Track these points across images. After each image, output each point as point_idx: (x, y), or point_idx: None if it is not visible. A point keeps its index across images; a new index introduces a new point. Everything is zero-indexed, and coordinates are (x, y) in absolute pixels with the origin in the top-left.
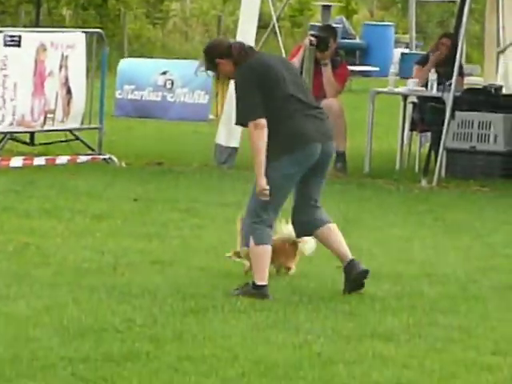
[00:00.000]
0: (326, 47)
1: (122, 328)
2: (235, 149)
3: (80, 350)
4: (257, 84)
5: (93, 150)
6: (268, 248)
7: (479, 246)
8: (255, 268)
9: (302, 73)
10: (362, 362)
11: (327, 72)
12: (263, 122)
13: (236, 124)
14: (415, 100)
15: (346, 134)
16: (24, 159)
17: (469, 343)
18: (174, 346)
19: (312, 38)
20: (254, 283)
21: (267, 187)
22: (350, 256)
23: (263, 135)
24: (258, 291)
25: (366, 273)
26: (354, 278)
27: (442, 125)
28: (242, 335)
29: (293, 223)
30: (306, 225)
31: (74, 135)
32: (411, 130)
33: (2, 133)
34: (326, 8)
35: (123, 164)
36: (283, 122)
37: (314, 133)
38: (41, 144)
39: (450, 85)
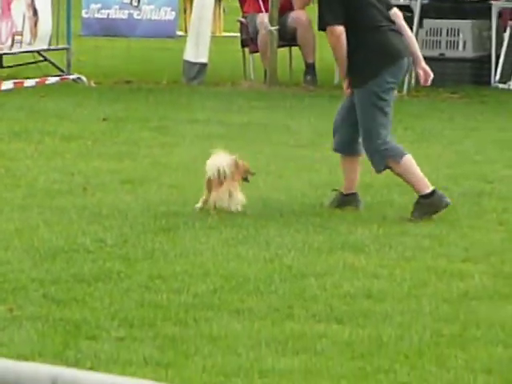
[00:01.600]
0: None
1: (93, 248)
2: (204, 65)
3: (51, 271)
4: None
5: (62, 70)
6: (409, 156)
7: (450, 154)
8: (413, 181)
9: None
10: (332, 273)
11: None
12: (339, 30)
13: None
14: None
15: (314, 45)
16: None
17: (439, 251)
18: (146, 264)
19: None
20: (422, 196)
21: (348, 91)
22: (354, 189)
23: (339, 42)
24: (432, 198)
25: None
26: (342, 208)
27: None
28: (213, 251)
29: (336, 136)
30: (347, 146)
31: (43, 56)
32: None
33: None
34: None
35: (92, 84)
36: (373, 35)
37: (403, 47)
38: (9, 66)
39: None
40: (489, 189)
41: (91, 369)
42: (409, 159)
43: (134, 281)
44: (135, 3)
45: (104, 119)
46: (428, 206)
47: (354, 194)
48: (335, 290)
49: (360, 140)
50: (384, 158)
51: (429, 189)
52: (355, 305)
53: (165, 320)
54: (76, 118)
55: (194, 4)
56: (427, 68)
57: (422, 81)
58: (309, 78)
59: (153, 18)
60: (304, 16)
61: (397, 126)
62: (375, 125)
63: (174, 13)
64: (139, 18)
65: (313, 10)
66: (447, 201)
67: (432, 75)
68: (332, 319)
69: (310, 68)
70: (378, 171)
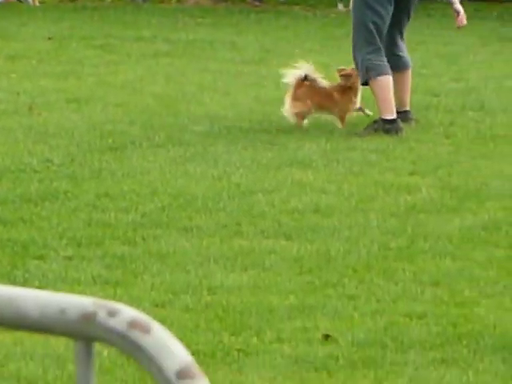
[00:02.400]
0: None
1: (40, 168)
2: None
3: None
4: None
5: None
6: (388, 78)
7: None
8: (381, 102)
9: None
10: (280, 189)
11: None
12: None
13: None
14: None
15: None
16: None
17: (386, 165)
18: (93, 183)
19: None
20: (383, 119)
21: None
22: (407, 107)
23: None
24: (391, 126)
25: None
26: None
27: None
28: (161, 170)
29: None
30: (397, 60)
31: None
32: None
33: None
34: None
35: (36, 3)
36: None
37: None
38: None
39: None
40: (435, 102)
41: (39, 287)
42: (386, 81)
43: (82, 200)
44: None
45: (49, 38)
46: (383, 130)
47: (405, 112)
48: (283, 206)
49: (400, 54)
50: (365, 70)
51: (392, 115)
52: (303, 220)
53: (113, 239)
54: (21, 38)
55: None
56: (461, 9)
57: (456, 22)
58: None
59: None
60: None
61: (344, 41)
62: (363, 34)
63: None
64: None
65: None
66: (402, 131)
67: (464, 15)
68: (280, 235)
69: None
70: (362, 84)
